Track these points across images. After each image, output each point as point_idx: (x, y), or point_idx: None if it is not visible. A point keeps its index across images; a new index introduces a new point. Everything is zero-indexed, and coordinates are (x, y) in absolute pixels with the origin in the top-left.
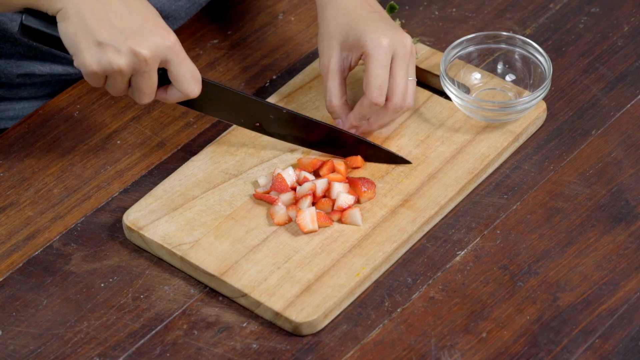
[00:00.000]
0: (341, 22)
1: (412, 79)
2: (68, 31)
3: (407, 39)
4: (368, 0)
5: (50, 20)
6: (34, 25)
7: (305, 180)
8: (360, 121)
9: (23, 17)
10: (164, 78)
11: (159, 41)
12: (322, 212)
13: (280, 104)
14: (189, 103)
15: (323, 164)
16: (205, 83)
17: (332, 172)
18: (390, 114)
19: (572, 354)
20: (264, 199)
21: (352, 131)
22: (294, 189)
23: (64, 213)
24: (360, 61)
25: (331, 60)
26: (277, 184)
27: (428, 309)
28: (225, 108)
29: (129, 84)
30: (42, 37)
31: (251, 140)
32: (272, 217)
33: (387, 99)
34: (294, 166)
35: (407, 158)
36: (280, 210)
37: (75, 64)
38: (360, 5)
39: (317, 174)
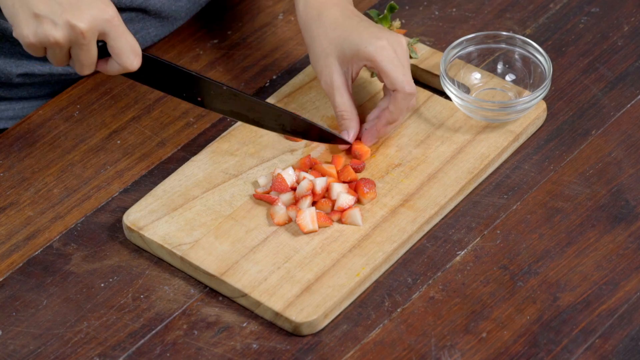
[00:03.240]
0: (333, 37)
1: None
2: (6, 2)
3: (402, 38)
4: (353, 10)
5: None
6: None
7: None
8: (387, 126)
9: None
10: (105, 50)
11: (96, 14)
12: (322, 212)
13: (280, 104)
14: (133, 76)
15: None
16: (146, 57)
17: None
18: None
19: (572, 354)
20: (264, 199)
21: (372, 139)
22: (294, 189)
23: (64, 213)
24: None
25: (334, 77)
26: (277, 184)
27: (428, 309)
28: (167, 82)
29: (70, 55)
30: None
31: (251, 140)
32: (272, 217)
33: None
34: (294, 166)
35: (407, 158)
36: (280, 210)
37: (13, 34)
38: (349, 17)
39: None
